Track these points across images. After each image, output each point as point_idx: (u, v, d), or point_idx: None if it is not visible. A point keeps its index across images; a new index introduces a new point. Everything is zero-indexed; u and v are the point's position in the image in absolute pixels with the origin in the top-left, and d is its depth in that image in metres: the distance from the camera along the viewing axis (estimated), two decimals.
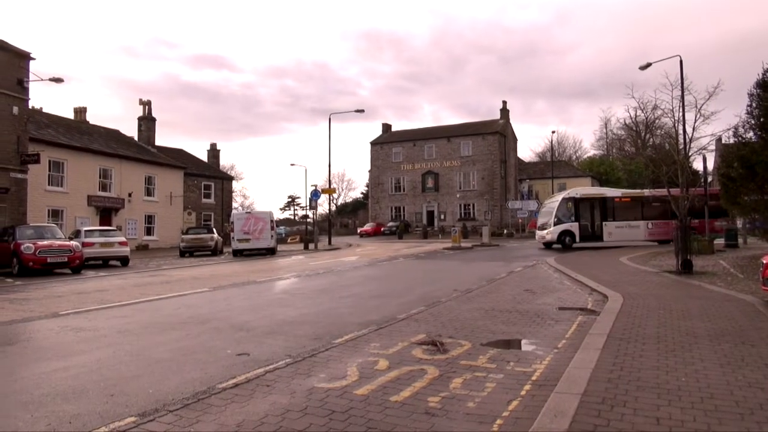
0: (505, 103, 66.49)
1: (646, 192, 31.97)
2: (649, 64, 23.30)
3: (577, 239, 29.46)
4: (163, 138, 49.16)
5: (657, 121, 69.04)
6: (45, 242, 19.12)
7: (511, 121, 67.39)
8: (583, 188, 37.35)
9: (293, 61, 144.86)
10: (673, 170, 17.33)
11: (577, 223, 29.66)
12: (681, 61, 20.90)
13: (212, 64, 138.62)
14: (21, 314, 10.13)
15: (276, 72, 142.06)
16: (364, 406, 4.72)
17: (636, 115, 71.11)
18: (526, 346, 6.98)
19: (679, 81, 19.10)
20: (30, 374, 6.05)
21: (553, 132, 65.04)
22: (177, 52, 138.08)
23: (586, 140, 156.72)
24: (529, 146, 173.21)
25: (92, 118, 41.67)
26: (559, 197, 31.07)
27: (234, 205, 62.36)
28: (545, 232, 30.05)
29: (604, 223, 29.80)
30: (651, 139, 72.04)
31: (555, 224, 29.66)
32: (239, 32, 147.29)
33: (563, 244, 29.34)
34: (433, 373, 5.66)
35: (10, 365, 6.51)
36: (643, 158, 61.15)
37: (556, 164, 62.48)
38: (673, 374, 5.24)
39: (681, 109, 18.84)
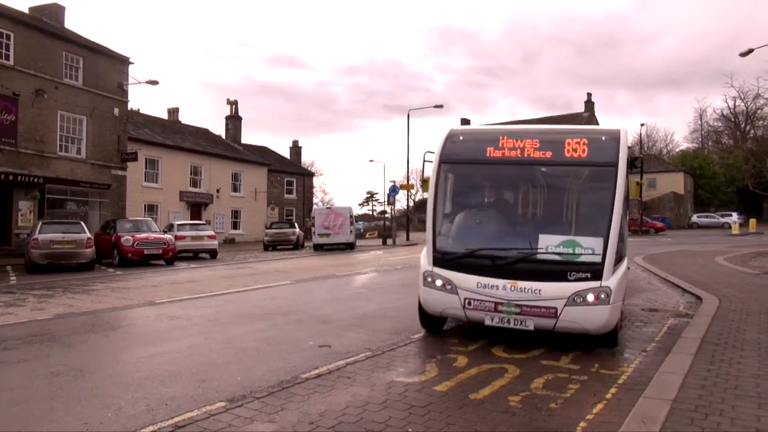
0: (589, 95, 63.81)
1: None
2: (750, 50, 21.69)
3: None
4: (245, 135, 51.16)
5: (759, 111, 64.46)
6: (142, 235, 20.38)
7: (595, 113, 64.79)
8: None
9: (366, 59, 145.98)
10: None
11: None
12: None
13: (287, 63, 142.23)
14: (122, 302, 10.89)
15: (349, 70, 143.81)
16: (444, 402, 4.73)
17: (735, 105, 66.70)
18: (612, 347, 6.71)
19: None
20: (130, 358, 6.50)
21: (642, 125, 61.68)
22: (253, 53, 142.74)
23: (678, 133, 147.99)
24: None
25: (183, 117, 44.09)
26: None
27: (314, 200, 63.93)
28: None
29: None
30: (752, 131, 67.23)
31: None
32: (312, 32, 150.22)
33: None
34: (514, 372, 5.58)
35: (113, 349, 7.02)
36: (742, 151, 57.18)
37: (645, 158, 59.45)
38: None
39: None
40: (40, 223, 19.03)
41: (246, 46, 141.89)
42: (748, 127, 68.72)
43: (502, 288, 6.26)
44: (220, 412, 4.53)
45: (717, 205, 65.14)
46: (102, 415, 4.55)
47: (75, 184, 25.45)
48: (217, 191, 38.54)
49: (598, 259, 6.07)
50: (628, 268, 7.65)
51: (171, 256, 20.54)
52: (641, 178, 7.26)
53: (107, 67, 27.51)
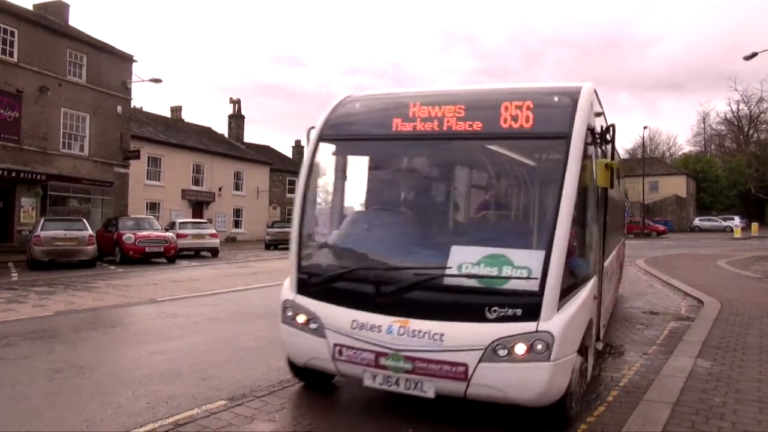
0: None
1: None
2: (754, 54, 21.67)
3: None
4: (248, 134, 51.27)
5: (762, 115, 64.44)
6: (144, 233, 20.40)
7: None
8: None
9: (367, 60, 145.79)
10: None
11: None
12: None
13: (289, 63, 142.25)
14: (123, 299, 10.90)
15: (351, 71, 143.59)
16: (445, 402, 4.70)
17: (738, 109, 66.64)
18: (613, 350, 6.71)
19: None
20: (131, 356, 6.51)
21: (645, 127, 61.33)
22: (256, 53, 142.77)
23: (681, 136, 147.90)
24: (620, 143, 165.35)
25: (186, 116, 44.02)
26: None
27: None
28: None
29: None
30: (755, 135, 67.16)
31: None
32: (313, 32, 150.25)
33: None
34: None
35: (114, 347, 7.03)
36: (745, 155, 57.07)
37: (647, 161, 59.44)
38: None
39: None
40: (42, 220, 19.07)
41: (249, 46, 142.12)
42: (751, 131, 68.64)
43: (386, 330, 4.07)
44: (221, 410, 4.53)
45: (719, 208, 65.08)
46: (102, 412, 4.56)
47: (77, 181, 25.48)
48: (219, 190, 38.56)
49: (534, 285, 3.91)
50: (595, 297, 4.81)
51: (172, 254, 20.56)
52: (613, 157, 4.98)
53: (111, 64, 27.53)
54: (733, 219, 52.63)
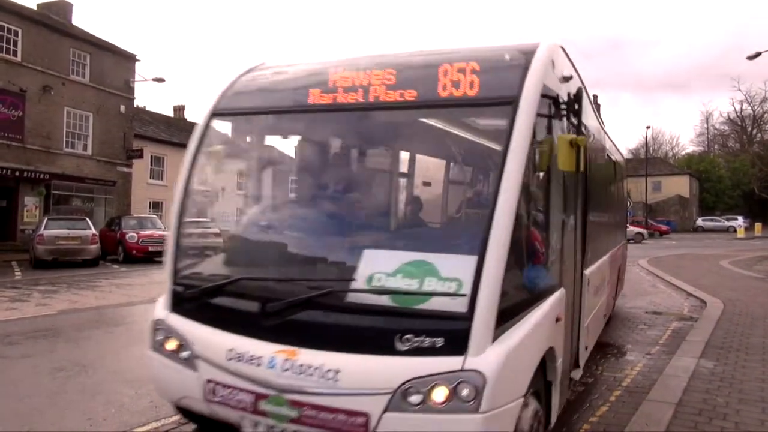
0: (595, 97, 63.75)
1: None
2: (758, 54, 21.62)
3: None
4: None
5: (766, 114, 64.36)
6: (147, 232, 20.41)
7: (600, 115, 64.59)
8: None
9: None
10: None
11: None
12: None
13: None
14: (126, 299, 10.92)
15: None
16: None
17: (742, 109, 66.54)
18: (615, 350, 6.71)
19: None
20: (134, 355, 6.51)
21: (648, 127, 61.16)
22: (257, 52, 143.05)
23: (684, 136, 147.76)
24: (623, 143, 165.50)
25: (189, 115, 44.10)
26: None
27: None
28: None
29: None
30: (759, 135, 67.03)
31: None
32: (314, 33, 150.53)
33: None
34: None
35: (116, 346, 7.05)
36: (749, 155, 56.99)
37: (650, 161, 59.33)
38: None
39: None
40: (45, 219, 19.14)
41: (251, 46, 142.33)
42: (754, 131, 68.53)
43: (267, 363, 3.04)
44: None
45: (722, 208, 64.97)
46: (105, 411, 4.56)
47: (81, 180, 25.55)
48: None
49: (461, 305, 2.84)
50: (559, 318, 3.63)
51: None
52: (578, 131, 3.98)
53: (114, 64, 27.58)
54: (737, 219, 52.53)
